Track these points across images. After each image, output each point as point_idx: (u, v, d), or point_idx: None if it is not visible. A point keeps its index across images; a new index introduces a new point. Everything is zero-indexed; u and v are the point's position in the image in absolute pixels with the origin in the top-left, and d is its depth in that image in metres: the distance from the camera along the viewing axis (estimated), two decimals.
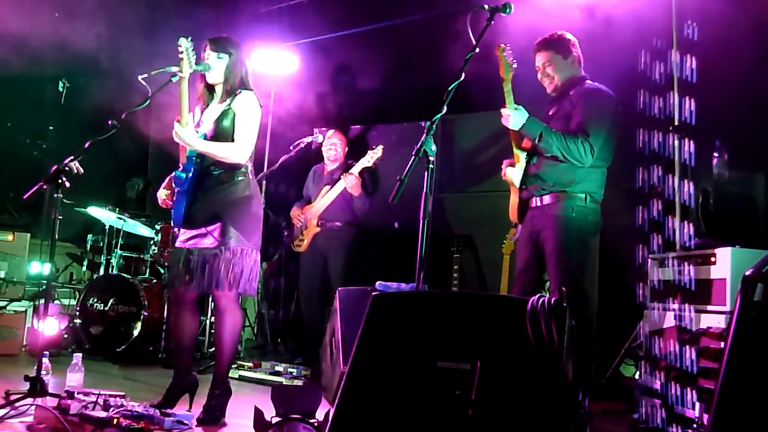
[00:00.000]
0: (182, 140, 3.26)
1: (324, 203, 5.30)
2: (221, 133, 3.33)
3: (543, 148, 3.42)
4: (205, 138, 3.32)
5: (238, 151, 3.32)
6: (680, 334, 3.30)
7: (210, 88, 3.46)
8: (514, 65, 3.46)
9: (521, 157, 3.59)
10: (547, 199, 3.45)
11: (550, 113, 3.59)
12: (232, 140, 3.34)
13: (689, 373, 3.11)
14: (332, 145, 5.45)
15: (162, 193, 3.50)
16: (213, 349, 3.69)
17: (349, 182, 5.15)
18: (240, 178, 3.35)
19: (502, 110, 3.45)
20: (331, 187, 5.29)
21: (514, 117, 3.40)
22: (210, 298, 5.32)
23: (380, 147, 5.20)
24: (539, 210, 3.48)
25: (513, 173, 3.62)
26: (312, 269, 5.40)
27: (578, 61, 3.60)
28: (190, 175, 3.29)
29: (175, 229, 3.42)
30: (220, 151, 3.29)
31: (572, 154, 3.34)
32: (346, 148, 5.51)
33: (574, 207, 3.38)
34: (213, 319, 4.89)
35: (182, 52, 3.19)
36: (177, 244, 3.39)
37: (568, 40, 3.59)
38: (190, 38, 3.23)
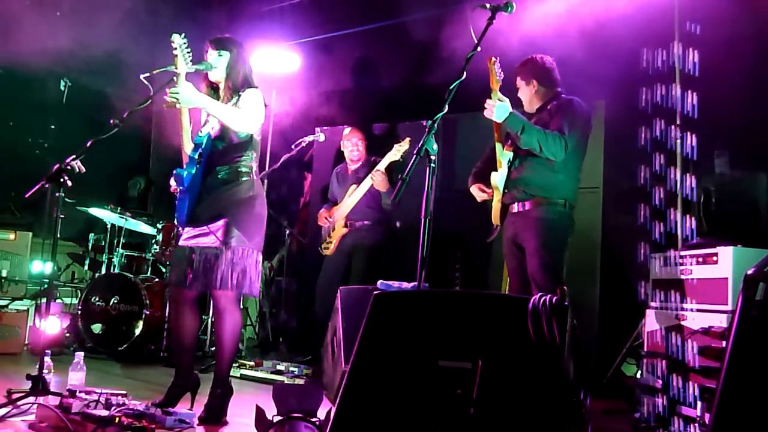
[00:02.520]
0: (180, 98, 3.13)
1: (351, 202, 5.21)
2: (227, 134, 3.34)
3: (524, 141, 3.55)
4: (210, 137, 3.32)
5: (244, 117, 3.27)
6: (681, 332, 3.30)
7: (215, 89, 3.46)
8: (501, 76, 3.59)
9: (503, 162, 3.71)
10: (528, 204, 3.61)
11: (532, 122, 3.69)
12: (236, 139, 3.35)
13: (690, 367, 3.11)
14: (354, 145, 5.35)
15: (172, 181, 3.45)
16: (215, 348, 3.68)
17: (377, 179, 5.04)
18: (244, 179, 3.35)
19: (487, 102, 3.55)
20: (357, 186, 5.20)
21: (498, 109, 3.52)
22: (209, 297, 5.29)
23: (407, 139, 5.08)
24: (520, 215, 3.64)
25: (496, 178, 3.74)
26: (333, 269, 5.27)
27: (548, 83, 3.74)
28: (193, 173, 3.29)
29: (179, 228, 3.40)
30: (224, 111, 3.24)
31: (549, 147, 3.51)
32: (366, 144, 5.41)
33: (555, 211, 3.58)
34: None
35: (176, 49, 3.15)
36: (180, 243, 3.39)
37: (534, 64, 3.77)
38: (183, 34, 3.19)
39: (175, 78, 3.17)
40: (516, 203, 3.66)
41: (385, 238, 5.29)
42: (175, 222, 3.39)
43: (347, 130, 5.45)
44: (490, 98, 3.55)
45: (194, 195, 3.30)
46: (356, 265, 5.20)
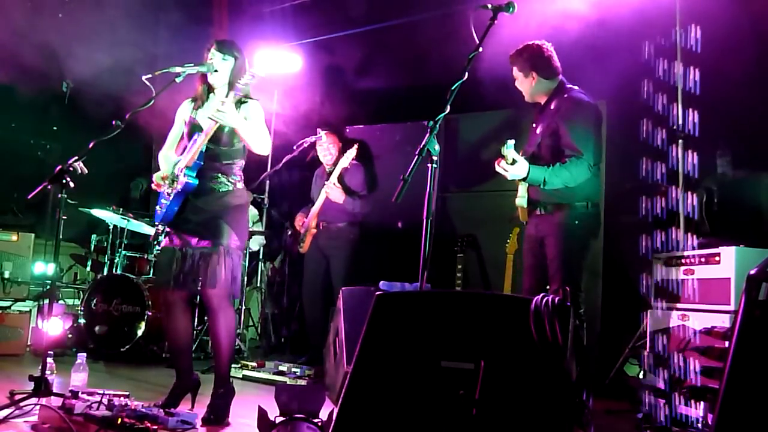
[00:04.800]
0: (224, 118, 3.21)
1: (317, 206, 5.31)
2: (219, 137, 3.34)
3: (548, 188, 3.46)
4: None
5: (265, 139, 3.38)
6: (684, 332, 3.29)
7: (210, 90, 3.46)
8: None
9: (522, 184, 3.62)
10: (550, 208, 3.55)
11: (538, 131, 3.63)
12: (231, 145, 3.38)
13: (692, 368, 3.11)
14: (325, 150, 5.44)
15: (158, 178, 3.44)
16: (213, 348, 3.66)
17: (332, 193, 5.17)
18: (236, 186, 3.41)
19: (501, 164, 3.44)
20: None
21: (516, 171, 3.43)
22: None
23: (354, 147, 5.22)
24: (544, 218, 3.58)
25: (520, 201, 3.66)
26: (315, 270, 5.40)
27: (549, 73, 3.61)
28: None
29: (160, 227, 3.41)
30: (254, 133, 3.33)
31: (576, 179, 3.44)
32: (340, 145, 5.48)
33: (578, 216, 3.50)
34: None
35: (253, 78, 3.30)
36: (166, 244, 3.38)
37: (532, 54, 3.61)
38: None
39: (223, 100, 3.28)
40: (539, 208, 3.60)
41: (359, 237, 5.37)
42: (161, 219, 3.36)
43: (322, 135, 5.50)
44: (504, 159, 3.44)
45: (186, 197, 3.32)
46: (335, 266, 5.31)
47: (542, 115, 3.66)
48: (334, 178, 5.20)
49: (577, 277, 3.49)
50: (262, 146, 3.38)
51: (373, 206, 5.40)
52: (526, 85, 3.65)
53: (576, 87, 3.64)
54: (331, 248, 5.33)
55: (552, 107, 3.60)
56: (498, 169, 3.48)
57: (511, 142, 3.45)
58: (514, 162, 3.43)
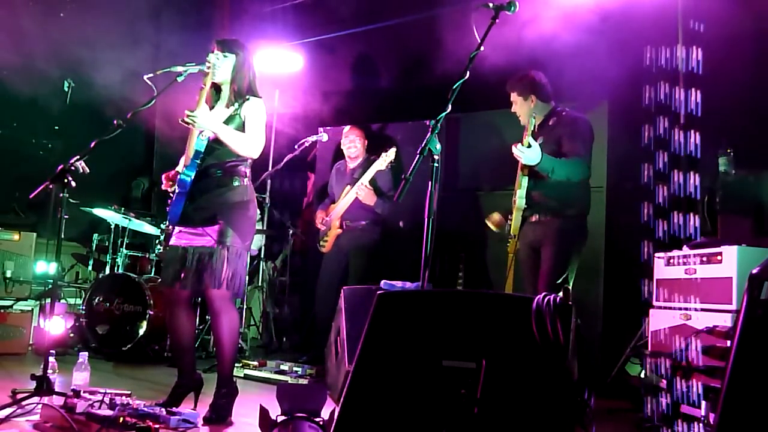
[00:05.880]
0: (198, 122, 3.21)
1: (344, 205, 5.21)
2: None
3: (554, 177, 3.74)
4: (209, 140, 3.32)
5: (250, 144, 3.35)
6: (685, 332, 3.29)
7: (217, 89, 3.46)
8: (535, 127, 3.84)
9: (523, 184, 3.84)
10: (547, 214, 3.84)
11: (538, 141, 3.86)
12: None
13: (694, 367, 3.11)
14: (351, 142, 5.33)
15: (164, 178, 3.46)
16: (216, 349, 3.67)
17: (362, 194, 5.06)
18: (237, 183, 3.38)
19: (518, 147, 3.70)
20: (352, 187, 5.19)
21: (531, 153, 3.68)
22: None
23: (393, 149, 5.07)
24: (540, 224, 3.87)
25: (517, 197, 3.87)
26: (333, 269, 5.28)
27: (546, 97, 3.96)
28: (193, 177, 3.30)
29: (170, 228, 3.42)
30: (234, 138, 3.30)
31: (577, 175, 3.81)
32: (366, 143, 5.40)
33: (571, 224, 3.85)
34: None
35: (209, 67, 3.28)
36: (172, 242, 3.39)
37: (531, 80, 3.95)
38: (218, 55, 3.34)
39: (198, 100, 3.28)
40: (535, 215, 3.86)
41: (381, 238, 5.28)
42: (167, 221, 3.38)
43: (347, 127, 5.46)
44: (521, 143, 3.70)
45: (188, 194, 3.31)
46: (354, 265, 5.21)
47: (541, 130, 3.93)
48: (366, 179, 5.07)
49: (566, 278, 3.77)
50: (247, 150, 3.35)
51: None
52: (525, 108, 3.97)
53: (568, 108, 3.97)
54: (353, 248, 5.22)
55: (550, 123, 3.93)
56: (515, 150, 3.72)
57: (535, 118, 3.81)
58: (529, 146, 3.67)
